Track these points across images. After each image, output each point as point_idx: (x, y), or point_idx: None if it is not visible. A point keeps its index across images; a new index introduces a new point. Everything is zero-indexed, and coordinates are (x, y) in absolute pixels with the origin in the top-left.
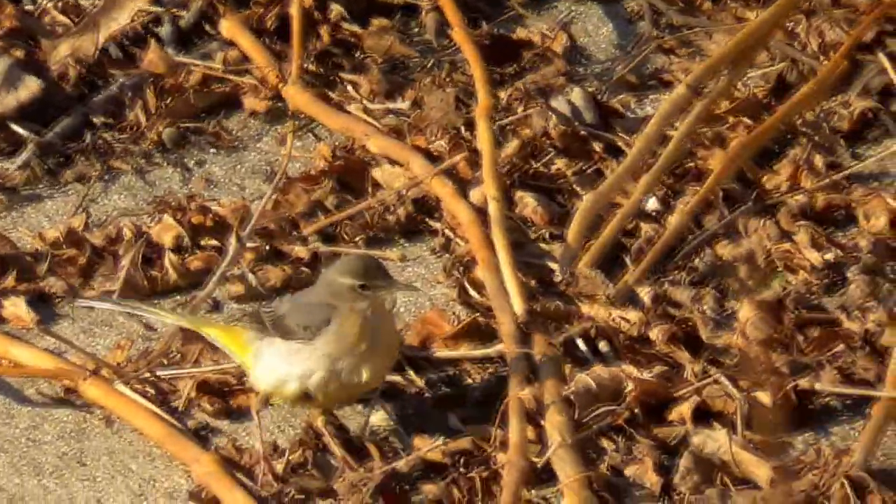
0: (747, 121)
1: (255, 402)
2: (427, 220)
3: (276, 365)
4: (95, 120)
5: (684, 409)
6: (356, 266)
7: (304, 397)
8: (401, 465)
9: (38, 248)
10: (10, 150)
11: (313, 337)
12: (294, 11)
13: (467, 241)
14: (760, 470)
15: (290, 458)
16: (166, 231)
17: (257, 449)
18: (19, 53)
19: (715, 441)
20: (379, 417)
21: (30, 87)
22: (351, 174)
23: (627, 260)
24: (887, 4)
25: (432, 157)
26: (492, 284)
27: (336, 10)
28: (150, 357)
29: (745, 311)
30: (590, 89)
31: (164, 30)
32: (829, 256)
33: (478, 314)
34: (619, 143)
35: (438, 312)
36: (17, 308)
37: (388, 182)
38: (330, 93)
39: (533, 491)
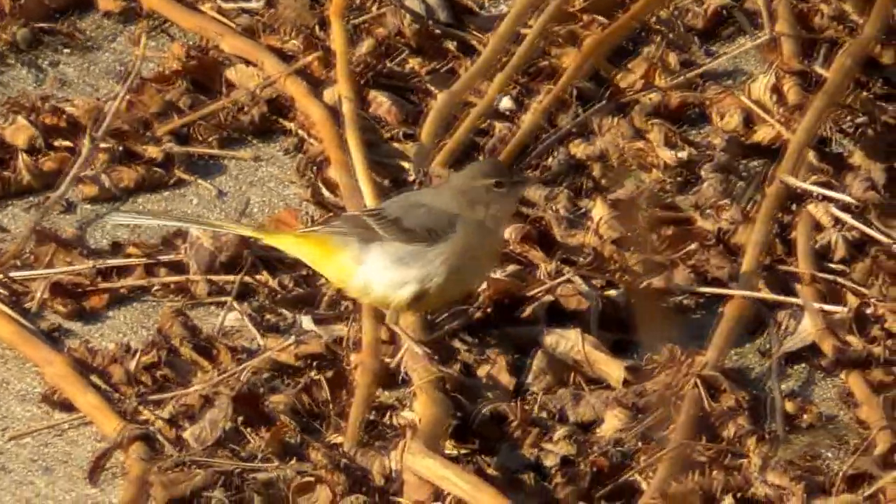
0: (601, 19)
1: (390, 316)
2: (280, 119)
3: (393, 267)
4: None
5: (537, 309)
6: (488, 167)
7: (414, 300)
8: (252, 365)
9: None
10: None
11: (437, 241)
12: None
13: (321, 140)
14: (613, 369)
15: (142, 359)
16: (19, 132)
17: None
18: None
19: (568, 340)
20: (232, 318)
21: None
22: (204, 74)
23: (481, 159)
24: None
25: (286, 57)
26: (345, 184)
27: None
28: (2, 258)
29: (599, 210)
30: None
31: None
32: (683, 155)
33: (331, 214)
34: (473, 42)
35: (292, 212)
36: None
37: (241, 82)
38: None
39: (386, 392)
